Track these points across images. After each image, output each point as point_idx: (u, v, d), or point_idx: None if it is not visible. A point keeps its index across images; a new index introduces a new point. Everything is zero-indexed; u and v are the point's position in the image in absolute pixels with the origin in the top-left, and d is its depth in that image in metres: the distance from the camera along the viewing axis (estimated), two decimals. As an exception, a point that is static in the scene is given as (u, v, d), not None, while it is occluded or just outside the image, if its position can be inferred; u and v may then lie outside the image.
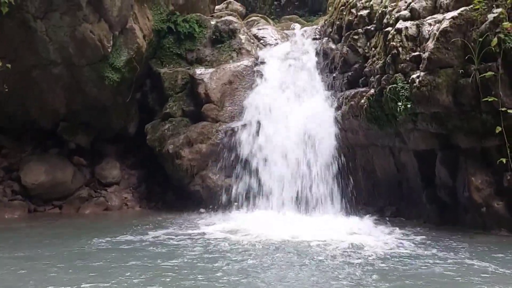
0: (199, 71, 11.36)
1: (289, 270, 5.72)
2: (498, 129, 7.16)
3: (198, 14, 12.70)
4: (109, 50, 10.55)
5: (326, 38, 11.53)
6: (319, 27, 12.94)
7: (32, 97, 11.11)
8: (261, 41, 12.89)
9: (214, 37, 12.20)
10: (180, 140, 10.93)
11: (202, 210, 10.64)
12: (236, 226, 8.46)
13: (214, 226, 8.65)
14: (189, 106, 11.44)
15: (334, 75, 10.65)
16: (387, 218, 9.22)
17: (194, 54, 12.15)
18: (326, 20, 12.13)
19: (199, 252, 6.59)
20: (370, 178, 9.88)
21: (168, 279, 5.22)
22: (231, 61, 11.71)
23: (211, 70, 11.38)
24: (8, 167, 11.66)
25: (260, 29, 13.43)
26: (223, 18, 12.45)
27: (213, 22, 12.45)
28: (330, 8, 12.60)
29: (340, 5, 11.07)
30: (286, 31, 13.81)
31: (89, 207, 11.47)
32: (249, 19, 14.68)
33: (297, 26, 14.19)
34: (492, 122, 7.33)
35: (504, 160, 7.22)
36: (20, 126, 11.86)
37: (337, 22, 10.96)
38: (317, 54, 11.62)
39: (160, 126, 11.50)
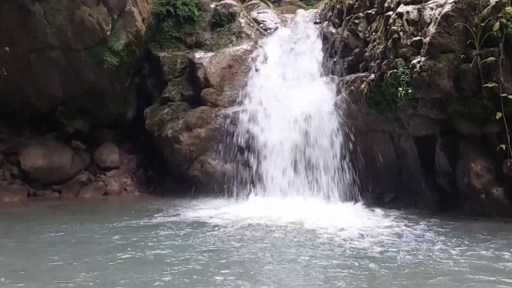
0: (199, 55, 11.28)
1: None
2: (499, 115, 7.09)
3: (198, -3, 12.58)
4: (108, 33, 10.50)
5: (326, 22, 11.41)
6: (319, 11, 12.81)
7: (29, 82, 11.02)
8: (261, 25, 12.78)
9: (213, 20, 12.10)
10: (179, 125, 10.88)
11: (199, 196, 10.58)
12: (237, 213, 8.44)
13: (210, 211, 8.68)
14: (188, 90, 11.38)
15: (334, 59, 10.55)
16: (386, 206, 9.15)
17: (193, 37, 12.06)
18: (327, 3, 11.98)
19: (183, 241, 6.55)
20: (369, 164, 9.81)
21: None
22: (230, 45, 11.61)
23: (210, 54, 11.30)
24: (6, 151, 11.67)
25: (260, 13, 13.29)
26: (222, 2, 12.31)
27: (212, 6, 12.33)
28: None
29: (341, -12, 10.94)
30: (286, 15, 13.71)
31: (89, 191, 11.48)
32: (249, 3, 14.53)
33: (300, 11, 14.06)
34: (493, 108, 7.24)
35: (504, 147, 7.15)
36: (17, 111, 11.79)
37: (338, 6, 10.83)
38: (318, 38, 11.48)
39: (159, 110, 11.44)
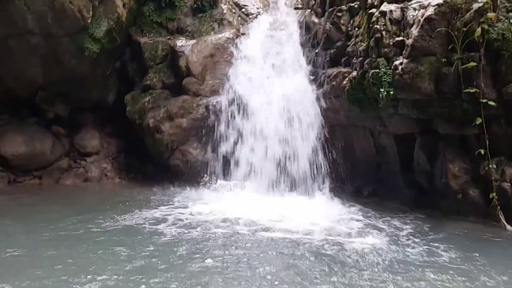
0: (180, 43, 11.18)
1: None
2: (479, 120, 7.22)
3: (180, -19, 12.42)
4: (89, 21, 10.37)
5: (309, 11, 11.37)
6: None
7: (8, 67, 10.87)
8: (243, 9, 12.63)
9: (195, 6, 11.97)
10: (160, 114, 10.86)
11: (180, 185, 10.64)
12: (211, 208, 8.49)
13: (187, 209, 8.62)
14: (169, 78, 11.32)
15: (316, 50, 10.55)
16: (363, 200, 9.33)
17: (175, 23, 11.95)
18: (309, -10, 11.93)
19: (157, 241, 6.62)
20: (349, 157, 9.91)
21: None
22: (212, 32, 11.53)
23: (192, 42, 11.20)
24: (-15, 136, 11.50)
25: (242, -4, 13.16)
26: (204, -13, 12.18)
27: (194, -10, 12.19)
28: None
29: (323, -23, 10.89)
30: None
31: (69, 178, 11.45)
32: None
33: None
34: (472, 111, 7.36)
35: (482, 151, 7.30)
36: (-5, 94, 11.65)
37: (321, -5, 10.82)
38: (300, 26, 11.44)
39: (140, 98, 11.38)
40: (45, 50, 10.63)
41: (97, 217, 7.70)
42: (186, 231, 7.00)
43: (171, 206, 8.76)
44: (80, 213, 7.94)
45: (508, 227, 7.19)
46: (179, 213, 8.14)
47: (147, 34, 11.91)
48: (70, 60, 10.88)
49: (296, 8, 12.45)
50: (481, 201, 7.65)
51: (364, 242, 6.52)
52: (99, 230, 7.03)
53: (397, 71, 7.81)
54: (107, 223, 7.39)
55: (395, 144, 8.83)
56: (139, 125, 11.23)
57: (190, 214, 8.07)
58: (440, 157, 8.08)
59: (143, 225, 7.31)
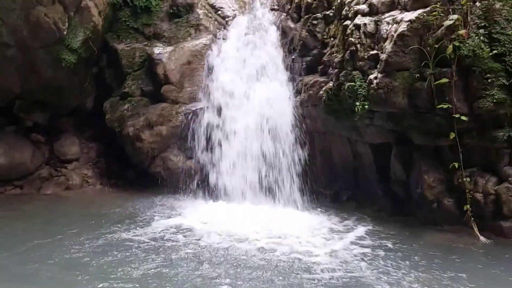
0: (157, 50, 11.18)
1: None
2: (452, 135, 7.41)
3: (155, -14, 12.38)
4: (65, 32, 10.30)
5: (285, 15, 11.42)
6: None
7: (-16, 77, 10.79)
8: (219, 12, 12.60)
9: (171, 11, 11.92)
10: (140, 122, 10.90)
11: (162, 192, 10.76)
12: (194, 220, 8.65)
13: (168, 220, 8.77)
14: (148, 85, 11.33)
15: (293, 56, 10.64)
16: (340, 207, 9.56)
17: (151, 29, 11.91)
18: (284, -8, 11.97)
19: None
20: (327, 163, 10.10)
21: None
22: (189, 38, 11.52)
23: (169, 49, 11.21)
24: (-37, 146, 11.45)
25: (218, -3, 13.13)
26: (180, -9, 12.14)
27: (170, -6, 12.16)
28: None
29: (298, -18, 10.95)
30: (244, -1, 13.58)
31: (50, 187, 11.44)
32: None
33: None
34: (446, 125, 7.55)
35: (456, 165, 7.51)
36: (-28, 103, 11.58)
37: (296, 0, 10.88)
38: (276, 30, 11.49)
39: (119, 105, 11.40)
40: (21, 61, 10.56)
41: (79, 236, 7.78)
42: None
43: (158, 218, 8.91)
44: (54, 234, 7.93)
45: (481, 238, 7.43)
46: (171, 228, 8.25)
47: (124, 40, 11.88)
48: (47, 70, 10.82)
49: (272, 9, 12.49)
50: (456, 210, 7.87)
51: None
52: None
53: (372, 86, 7.98)
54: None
55: (371, 153, 9.01)
56: (119, 133, 11.26)
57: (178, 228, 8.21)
58: (416, 167, 8.28)
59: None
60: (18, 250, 7.10)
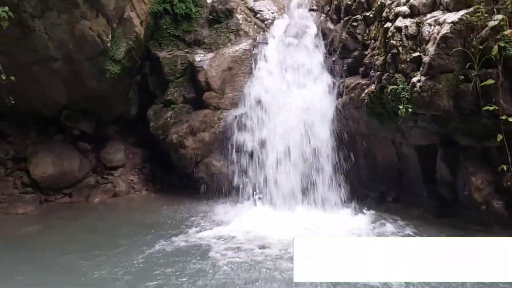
0: (198, 57, 11.34)
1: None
2: (500, 137, 7.25)
3: (194, -8, 12.55)
4: (108, 44, 10.49)
5: (324, 16, 11.46)
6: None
7: (33, 90, 11.07)
8: (258, 15, 12.70)
9: (211, 17, 12.08)
10: (183, 130, 11.07)
11: (207, 197, 10.89)
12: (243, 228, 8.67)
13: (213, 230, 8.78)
14: (190, 92, 11.51)
15: (333, 58, 10.64)
16: (386, 208, 9.51)
17: (191, 35, 12.08)
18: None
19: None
20: (371, 164, 10.06)
21: None
22: (229, 44, 11.64)
23: (210, 55, 11.35)
24: (16, 156, 11.79)
25: (256, 1, 13.17)
26: (219, -4, 12.26)
27: (209, 1, 12.29)
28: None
29: (337, -17, 10.94)
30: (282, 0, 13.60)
31: (98, 194, 11.71)
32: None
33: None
34: (493, 127, 7.41)
35: (505, 167, 7.37)
36: (23, 114, 11.91)
37: (335, 2, 10.91)
38: (316, 33, 11.50)
39: (163, 113, 11.60)
40: (67, 73, 10.82)
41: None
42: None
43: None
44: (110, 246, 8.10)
45: (532, 239, 7.29)
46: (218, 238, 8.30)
47: (165, 48, 12.07)
48: (91, 81, 11.08)
49: (311, 9, 12.50)
50: (506, 212, 7.75)
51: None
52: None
53: (415, 89, 7.90)
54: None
55: (416, 154, 8.93)
56: (163, 140, 11.47)
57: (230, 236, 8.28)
58: (462, 169, 8.17)
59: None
60: (87, 255, 7.41)
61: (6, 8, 8.12)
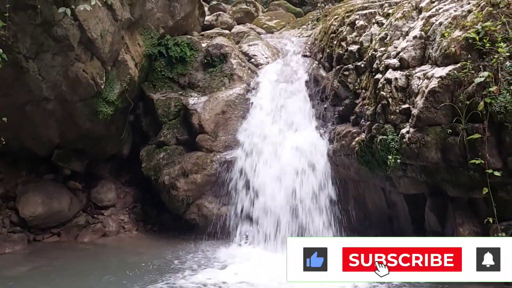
0: (192, 100, 11.48)
1: None
2: (485, 190, 7.38)
3: (189, 36, 12.81)
4: (102, 86, 10.61)
5: (316, 63, 11.68)
6: (308, 43, 13.01)
7: (26, 130, 11.13)
8: (252, 59, 12.94)
9: (205, 61, 12.25)
10: (175, 171, 11.14)
11: (198, 239, 10.87)
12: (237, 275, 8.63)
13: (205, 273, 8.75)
14: (183, 134, 11.62)
15: (325, 105, 10.83)
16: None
17: (186, 78, 12.24)
18: (316, 40, 12.21)
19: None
20: (361, 210, 10.17)
21: None
22: (223, 88, 11.79)
23: (203, 99, 11.50)
24: (5, 194, 11.80)
25: (251, 45, 13.44)
26: (214, 42, 12.45)
27: (204, 45, 12.50)
28: (320, 26, 12.68)
29: (330, 32, 11.20)
30: (276, 45, 13.87)
31: (87, 234, 11.68)
32: (238, 30, 14.76)
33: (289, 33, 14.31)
34: (479, 179, 7.54)
35: (491, 220, 7.47)
36: (14, 152, 11.94)
37: (327, 50, 11.11)
38: (308, 79, 11.70)
39: (155, 154, 11.69)
40: (61, 114, 10.89)
41: None
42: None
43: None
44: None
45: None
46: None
47: (160, 90, 12.22)
48: (85, 121, 11.15)
49: (304, 55, 12.75)
50: (492, 264, 7.81)
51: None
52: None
53: (404, 140, 8.04)
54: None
55: (405, 202, 9.07)
56: (155, 181, 11.53)
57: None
58: (450, 219, 8.28)
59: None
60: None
61: (0, 50, 8.23)
